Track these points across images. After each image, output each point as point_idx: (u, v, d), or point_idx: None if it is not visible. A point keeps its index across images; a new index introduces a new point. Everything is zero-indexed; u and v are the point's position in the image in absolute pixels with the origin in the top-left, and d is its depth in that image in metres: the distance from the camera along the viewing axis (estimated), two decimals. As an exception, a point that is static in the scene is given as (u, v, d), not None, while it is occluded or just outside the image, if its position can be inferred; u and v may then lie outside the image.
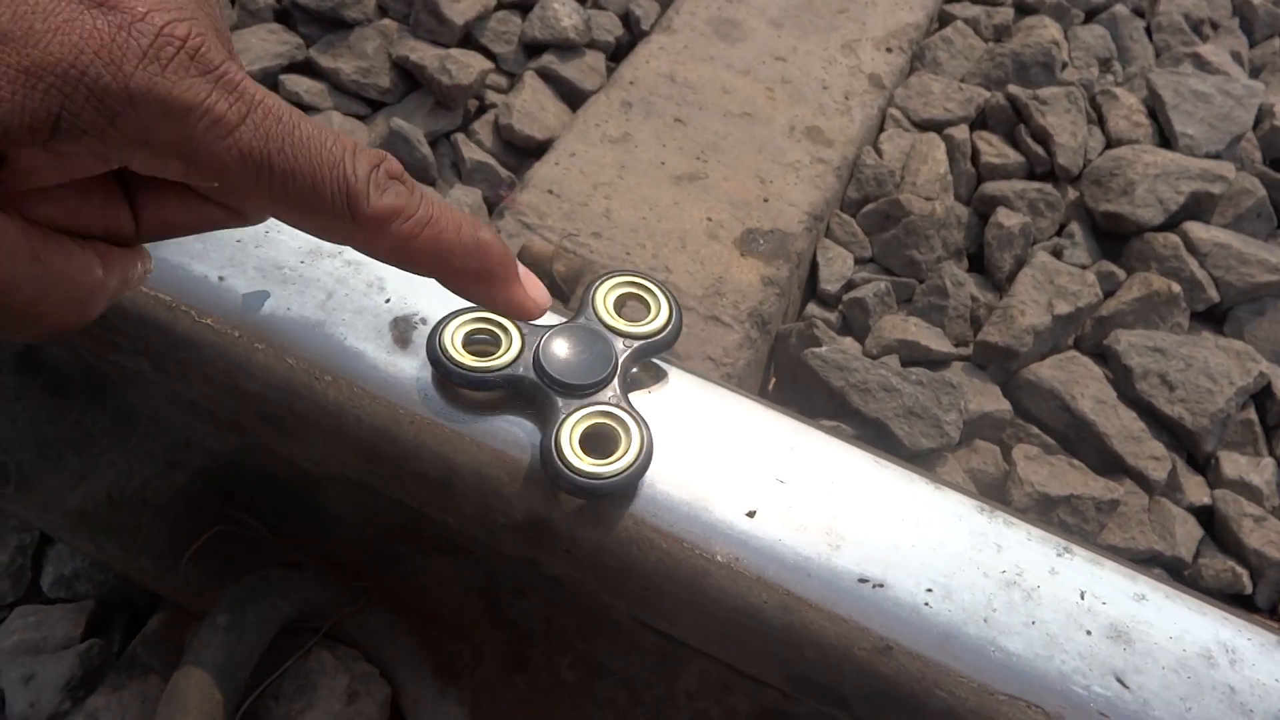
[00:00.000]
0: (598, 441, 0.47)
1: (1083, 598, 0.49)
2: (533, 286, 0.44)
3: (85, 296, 0.33)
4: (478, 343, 0.49)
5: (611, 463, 0.46)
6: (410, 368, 0.52)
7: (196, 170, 0.31)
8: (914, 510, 0.51)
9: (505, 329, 0.49)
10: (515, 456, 0.50)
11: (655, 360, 0.53)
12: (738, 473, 0.51)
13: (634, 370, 0.51)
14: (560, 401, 0.47)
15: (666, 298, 0.52)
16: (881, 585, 0.48)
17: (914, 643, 0.47)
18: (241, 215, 0.38)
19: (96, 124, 0.28)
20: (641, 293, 0.52)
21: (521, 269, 0.43)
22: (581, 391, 0.48)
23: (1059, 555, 0.51)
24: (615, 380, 0.49)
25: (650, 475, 0.50)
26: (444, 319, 0.49)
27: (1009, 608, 0.48)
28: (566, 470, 0.45)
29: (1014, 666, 0.47)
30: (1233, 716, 0.46)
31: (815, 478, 0.51)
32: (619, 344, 0.50)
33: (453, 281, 0.40)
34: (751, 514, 0.50)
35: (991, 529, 0.51)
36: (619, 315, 0.51)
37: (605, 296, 0.51)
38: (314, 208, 0.33)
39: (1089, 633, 0.48)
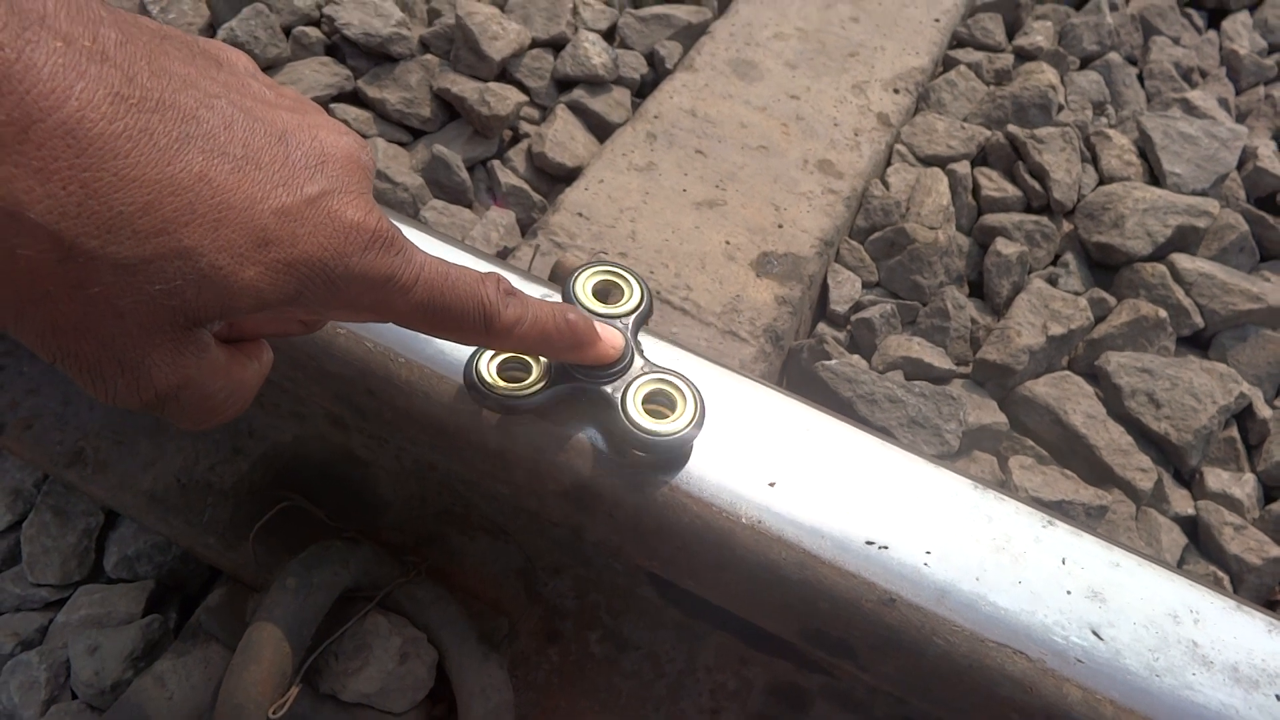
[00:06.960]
0: (661, 402, 0.56)
1: (1064, 563, 0.56)
2: (609, 336, 0.55)
3: (250, 392, 0.42)
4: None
5: (673, 420, 0.54)
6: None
7: (380, 319, 0.41)
8: (915, 484, 0.57)
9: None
10: (563, 430, 0.57)
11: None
12: (761, 448, 0.58)
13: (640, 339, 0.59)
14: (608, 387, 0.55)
15: (637, 281, 0.60)
16: (886, 547, 0.55)
17: (915, 596, 0.53)
18: None
19: (322, 297, 0.38)
20: (617, 279, 0.60)
21: (598, 324, 0.54)
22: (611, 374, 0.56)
23: (1044, 527, 0.57)
24: (637, 357, 0.57)
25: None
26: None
27: (998, 569, 0.55)
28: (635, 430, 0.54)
29: (1002, 618, 0.53)
30: (1194, 666, 0.52)
31: (828, 454, 0.58)
32: (618, 325, 0.57)
33: (555, 355, 0.52)
34: (772, 484, 0.56)
35: (983, 503, 0.57)
36: (600, 300, 0.59)
37: (584, 284, 0.59)
38: (461, 329, 0.43)
39: (1069, 592, 0.54)
